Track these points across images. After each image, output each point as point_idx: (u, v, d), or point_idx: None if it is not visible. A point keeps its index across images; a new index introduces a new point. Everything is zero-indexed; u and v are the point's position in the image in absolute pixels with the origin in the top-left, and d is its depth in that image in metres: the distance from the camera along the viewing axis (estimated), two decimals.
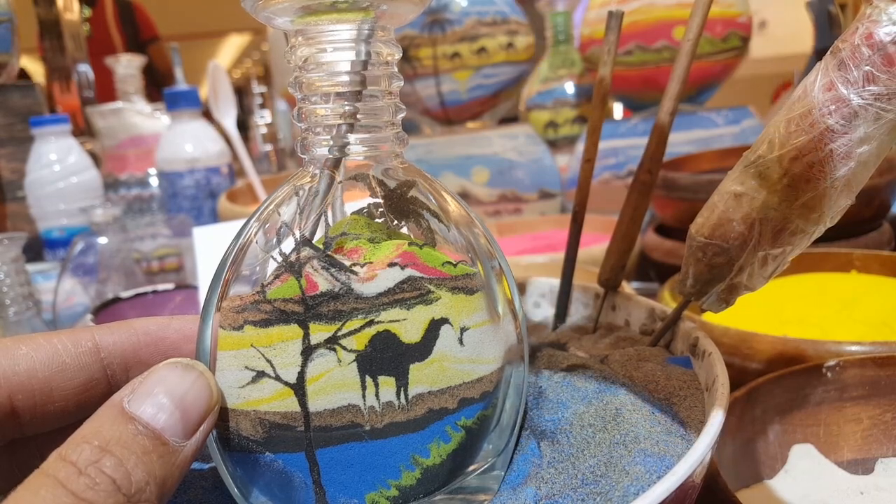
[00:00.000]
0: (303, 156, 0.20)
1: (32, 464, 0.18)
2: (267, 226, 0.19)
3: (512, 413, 0.21)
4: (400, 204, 0.20)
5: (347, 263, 0.18)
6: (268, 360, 0.18)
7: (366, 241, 0.19)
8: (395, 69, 0.20)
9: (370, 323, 0.18)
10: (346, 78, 0.19)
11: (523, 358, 0.21)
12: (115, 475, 0.15)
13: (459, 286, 0.19)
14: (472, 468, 0.19)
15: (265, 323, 0.18)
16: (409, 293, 0.18)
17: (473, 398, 0.19)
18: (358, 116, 0.19)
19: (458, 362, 0.19)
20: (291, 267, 0.18)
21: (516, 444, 0.21)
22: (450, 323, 0.19)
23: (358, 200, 0.20)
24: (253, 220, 0.20)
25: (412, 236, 0.20)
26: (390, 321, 0.18)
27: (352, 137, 0.20)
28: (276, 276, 0.18)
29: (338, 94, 0.19)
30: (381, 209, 0.20)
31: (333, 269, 0.18)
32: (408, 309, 0.18)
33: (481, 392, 0.19)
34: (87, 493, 0.14)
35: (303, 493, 0.18)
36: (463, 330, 0.19)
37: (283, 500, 0.18)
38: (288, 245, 0.19)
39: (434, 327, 0.18)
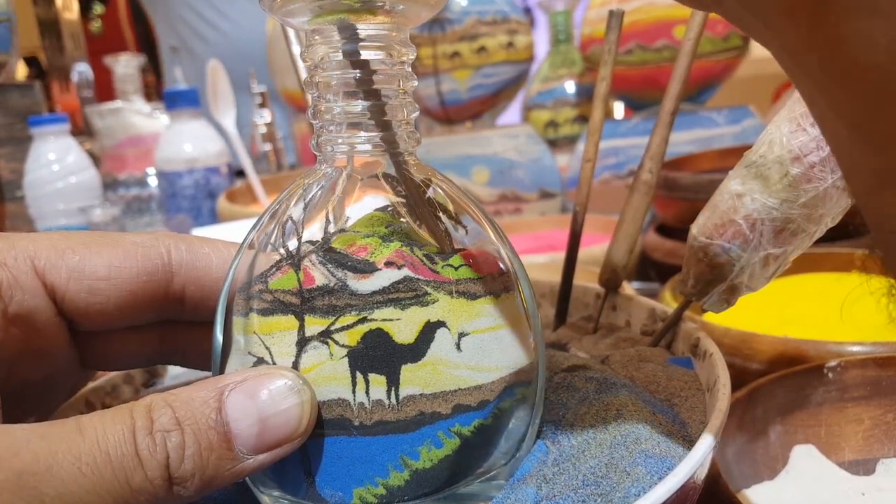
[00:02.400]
0: (316, 153, 0.20)
1: (177, 340, 0.23)
2: (276, 219, 0.20)
3: (521, 424, 0.20)
4: (419, 205, 0.20)
5: (347, 260, 0.18)
6: (267, 348, 0.18)
7: (377, 240, 0.19)
8: (410, 69, 0.20)
9: (363, 320, 0.18)
10: (357, 77, 0.19)
11: (538, 369, 0.20)
12: (171, 453, 0.16)
13: (460, 290, 0.19)
14: (473, 476, 0.19)
15: (266, 312, 0.18)
16: (404, 293, 0.18)
17: (470, 406, 0.18)
18: (371, 115, 0.19)
19: (454, 367, 0.18)
20: (291, 259, 0.19)
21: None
22: (447, 327, 0.18)
23: (363, 200, 0.20)
24: (266, 213, 0.20)
25: (430, 238, 0.20)
26: (383, 320, 0.18)
27: (364, 136, 0.20)
28: (278, 268, 0.19)
29: (351, 93, 0.19)
30: (404, 209, 0.20)
31: (331, 265, 0.18)
32: (402, 309, 0.18)
33: (480, 400, 0.19)
34: (143, 452, 0.16)
35: (294, 480, 0.19)
36: (461, 335, 0.18)
37: (279, 484, 0.19)
38: (292, 238, 0.19)
39: (429, 330, 0.18)
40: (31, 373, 0.21)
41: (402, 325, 0.18)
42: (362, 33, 0.19)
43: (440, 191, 0.21)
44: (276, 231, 0.20)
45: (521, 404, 0.20)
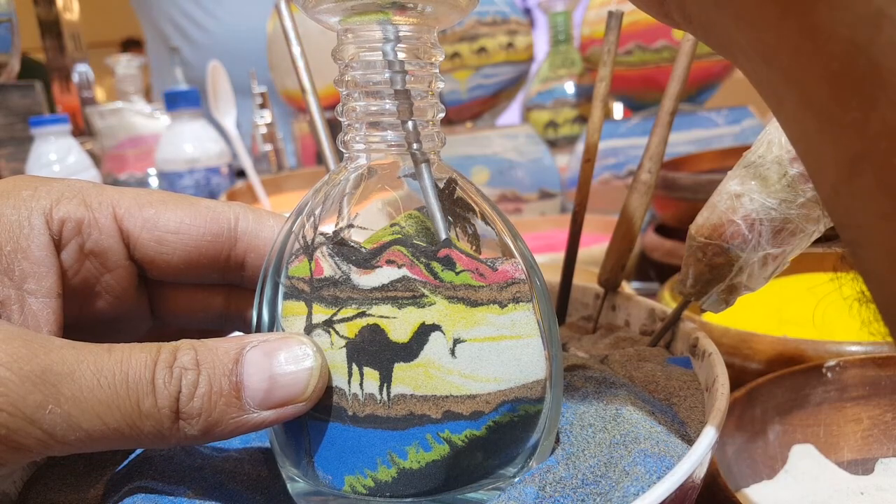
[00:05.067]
0: (343, 150, 0.21)
1: (241, 306, 0.25)
2: (305, 209, 0.21)
3: (529, 439, 0.20)
4: (450, 205, 0.20)
5: (353, 254, 0.19)
6: (283, 329, 0.19)
7: (393, 237, 0.19)
8: (438, 70, 0.20)
9: (362, 314, 0.18)
10: (385, 77, 0.19)
11: (552, 387, 0.20)
12: (184, 389, 0.17)
13: (459, 296, 0.18)
14: (475, 484, 0.19)
15: (286, 296, 0.20)
16: (401, 292, 0.18)
17: (461, 414, 0.18)
18: (397, 115, 0.19)
19: (446, 373, 0.18)
20: (307, 249, 0.19)
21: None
22: (441, 331, 0.18)
23: (381, 198, 0.20)
24: (304, 201, 0.21)
25: (458, 239, 0.20)
26: (380, 316, 0.18)
27: (391, 135, 0.20)
28: (297, 256, 0.20)
29: (377, 93, 0.19)
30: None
31: (338, 258, 0.19)
32: (399, 308, 0.18)
33: (473, 410, 0.18)
34: (158, 381, 0.17)
35: (299, 457, 0.20)
36: (457, 341, 0.18)
37: (290, 459, 0.20)
38: (310, 229, 0.20)
39: (424, 331, 0.18)
40: (103, 310, 0.23)
41: (398, 324, 0.18)
42: (392, 34, 0.19)
43: (465, 191, 0.21)
44: (301, 220, 0.20)
45: (527, 421, 0.19)
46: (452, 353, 0.18)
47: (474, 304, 0.19)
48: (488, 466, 0.19)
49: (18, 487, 0.22)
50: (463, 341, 0.18)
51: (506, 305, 0.19)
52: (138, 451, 0.23)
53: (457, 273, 0.19)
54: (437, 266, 0.19)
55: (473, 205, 0.21)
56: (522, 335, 0.19)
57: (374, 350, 0.18)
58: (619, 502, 0.18)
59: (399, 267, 0.18)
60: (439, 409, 0.18)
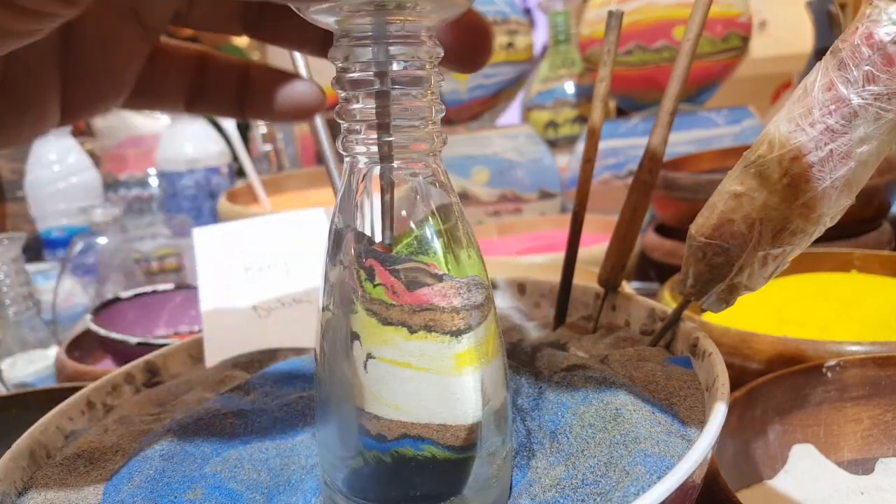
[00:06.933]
0: (342, 153, 0.20)
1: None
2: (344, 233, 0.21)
3: (437, 492, 0.19)
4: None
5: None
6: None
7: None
8: (437, 69, 0.20)
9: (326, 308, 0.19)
10: (382, 78, 0.19)
11: (478, 440, 0.18)
12: None
13: (374, 310, 0.18)
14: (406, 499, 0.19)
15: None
16: (341, 294, 0.19)
17: (369, 431, 0.18)
18: (397, 116, 0.19)
19: (360, 386, 0.18)
20: (358, 261, 0.20)
21: None
22: (360, 342, 0.18)
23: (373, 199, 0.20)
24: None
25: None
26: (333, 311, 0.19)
27: (389, 136, 0.19)
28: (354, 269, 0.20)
29: (375, 94, 0.19)
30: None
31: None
32: (341, 308, 0.19)
33: (377, 432, 0.18)
34: None
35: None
36: (368, 356, 0.18)
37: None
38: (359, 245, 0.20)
39: (351, 337, 0.18)
40: None
41: (345, 322, 0.19)
42: (390, 33, 0.19)
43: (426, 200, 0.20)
44: (346, 240, 0.20)
45: (437, 468, 0.18)
46: (365, 367, 0.18)
47: (385, 321, 0.18)
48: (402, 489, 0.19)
49: (18, 487, 0.22)
50: (373, 357, 0.18)
51: (416, 331, 0.18)
52: (138, 452, 0.23)
53: (374, 286, 0.18)
54: (362, 274, 0.18)
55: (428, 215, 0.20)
56: (431, 369, 0.18)
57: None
58: (620, 502, 0.18)
59: (345, 268, 0.19)
60: (359, 418, 0.18)
